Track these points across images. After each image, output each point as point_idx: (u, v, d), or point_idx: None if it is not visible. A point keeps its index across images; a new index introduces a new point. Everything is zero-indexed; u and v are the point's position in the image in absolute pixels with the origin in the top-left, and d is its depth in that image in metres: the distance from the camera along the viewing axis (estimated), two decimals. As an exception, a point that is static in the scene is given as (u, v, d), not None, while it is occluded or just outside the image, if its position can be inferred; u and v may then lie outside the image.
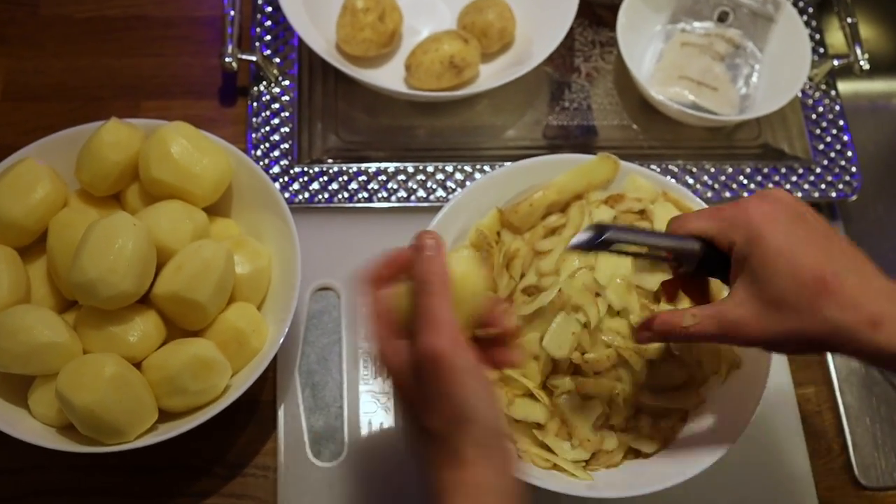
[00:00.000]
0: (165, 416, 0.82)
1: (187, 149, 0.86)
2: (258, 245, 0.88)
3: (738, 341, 0.65)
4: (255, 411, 0.89)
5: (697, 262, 0.68)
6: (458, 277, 0.64)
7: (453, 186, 0.99)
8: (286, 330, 0.83)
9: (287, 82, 1.03)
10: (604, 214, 0.86)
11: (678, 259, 0.69)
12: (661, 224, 0.86)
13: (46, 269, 0.86)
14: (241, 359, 0.84)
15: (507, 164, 0.99)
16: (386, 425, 0.89)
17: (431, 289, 0.62)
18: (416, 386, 0.61)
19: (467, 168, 1.00)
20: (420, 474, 0.64)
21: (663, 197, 0.89)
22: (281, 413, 0.89)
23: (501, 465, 0.61)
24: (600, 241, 0.66)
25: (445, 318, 0.60)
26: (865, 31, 1.25)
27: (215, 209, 0.90)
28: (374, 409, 0.89)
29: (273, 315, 0.86)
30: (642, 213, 0.87)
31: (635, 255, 0.70)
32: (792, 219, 0.63)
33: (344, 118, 1.03)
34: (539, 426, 0.82)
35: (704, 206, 0.87)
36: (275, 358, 0.86)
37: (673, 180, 0.99)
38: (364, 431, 0.88)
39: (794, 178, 1.03)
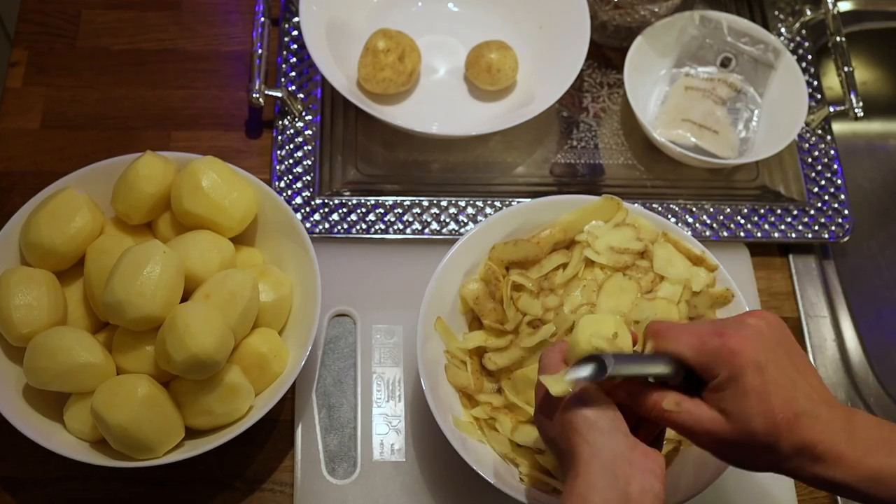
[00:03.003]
0: (191, 433, 0.87)
1: (217, 182, 0.91)
2: (281, 274, 0.93)
3: (703, 446, 0.70)
4: (274, 430, 0.95)
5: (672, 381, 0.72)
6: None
7: (465, 220, 1.04)
8: (306, 356, 0.88)
9: (310, 117, 1.09)
10: (603, 246, 0.92)
11: (656, 380, 0.72)
12: (660, 263, 0.91)
13: (83, 292, 0.91)
14: (263, 381, 0.89)
15: (517, 201, 1.05)
16: (397, 446, 0.94)
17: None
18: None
19: (479, 203, 1.05)
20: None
21: (663, 237, 0.94)
22: (298, 432, 0.94)
23: (612, 462, 0.66)
24: (602, 373, 0.67)
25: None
26: (863, 73, 1.31)
27: (241, 239, 0.96)
28: (385, 431, 0.95)
29: (293, 340, 0.92)
30: (643, 253, 0.92)
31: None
32: (768, 355, 0.67)
33: (363, 152, 1.08)
34: (541, 451, 0.87)
35: (701, 248, 0.93)
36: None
37: (674, 220, 1.05)
38: (376, 451, 0.94)
39: (788, 219, 1.08)
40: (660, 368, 0.69)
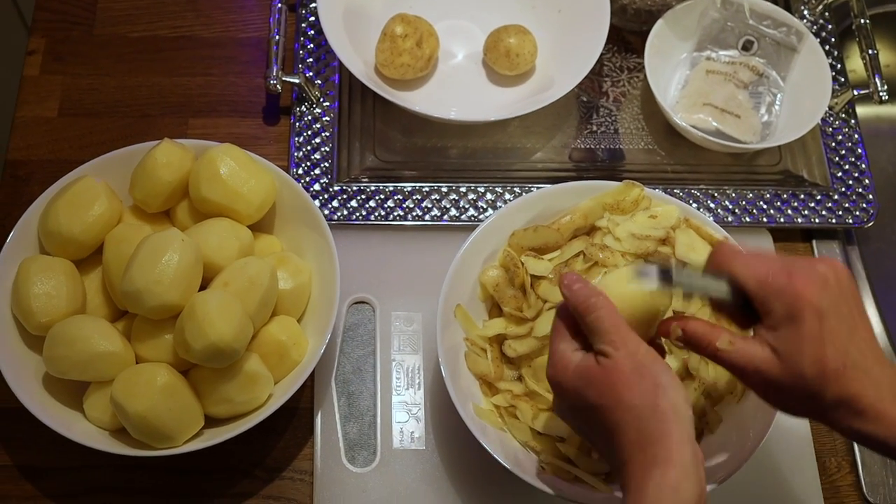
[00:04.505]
0: (210, 421, 0.87)
1: (235, 170, 0.91)
2: (300, 261, 0.93)
3: (752, 385, 0.70)
4: (293, 418, 0.94)
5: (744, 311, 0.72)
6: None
7: (484, 206, 1.03)
8: (325, 343, 0.88)
9: (328, 103, 1.08)
10: (624, 232, 0.91)
11: (723, 305, 0.72)
12: (682, 249, 0.90)
13: (101, 280, 0.91)
14: (282, 369, 0.89)
15: (536, 187, 1.04)
16: (417, 434, 0.94)
17: (597, 305, 0.69)
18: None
19: (498, 189, 1.04)
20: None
21: (685, 223, 0.93)
22: (318, 420, 0.94)
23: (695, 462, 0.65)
24: (667, 280, 0.69)
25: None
26: (886, 56, 1.29)
27: (259, 226, 0.96)
28: (405, 419, 0.94)
29: (312, 328, 0.92)
30: (665, 240, 0.91)
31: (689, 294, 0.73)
32: (831, 303, 0.67)
33: (381, 138, 1.07)
34: (562, 440, 0.87)
35: (724, 233, 0.92)
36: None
37: (695, 205, 1.04)
38: (396, 439, 0.93)
39: (812, 204, 1.07)
40: (720, 289, 0.70)
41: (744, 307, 0.70)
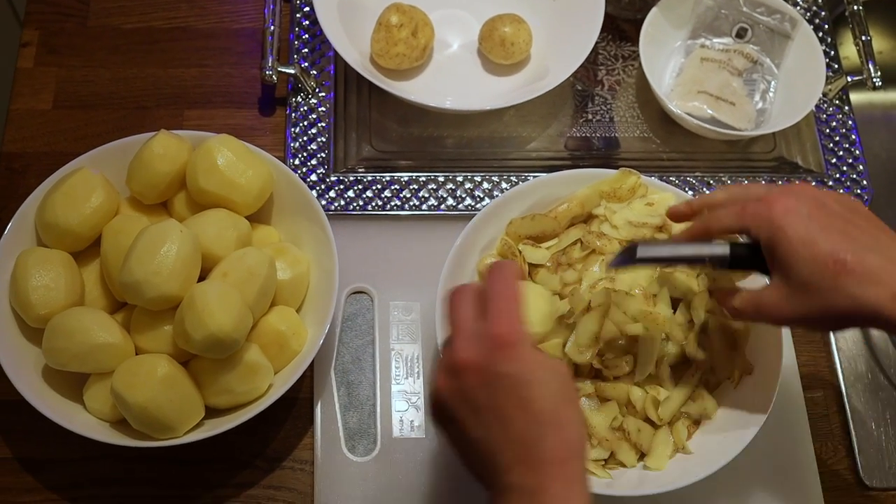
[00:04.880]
0: (211, 412, 0.87)
1: (232, 160, 0.91)
2: (298, 252, 0.93)
3: (774, 321, 0.72)
4: (293, 408, 0.94)
5: (731, 260, 0.73)
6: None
7: (481, 196, 1.03)
8: (325, 333, 0.88)
9: (323, 94, 1.08)
10: (621, 220, 0.91)
11: (712, 261, 0.74)
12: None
13: (99, 272, 0.91)
14: (282, 360, 0.89)
15: (532, 176, 1.04)
16: (417, 423, 0.94)
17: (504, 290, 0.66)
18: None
19: (494, 178, 1.04)
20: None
21: (681, 210, 0.93)
22: (318, 410, 0.94)
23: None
24: (635, 259, 0.70)
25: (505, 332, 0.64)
26: (879, 42, 1.29)
27: (257, 217, 0.96)
28: (405, 408, 0.95)
29: (311, 318, 0.92)
30: (661, 227, 0.91)
31: (673, 265, 0.74)
32: (813, 209, 0.67)
33: (377, 128, 1.07)
34: (561, 427, 0.87)
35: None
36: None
37: (691, 193, 1.04)
38: (396, 428, 0.94)
39: (807, 191, 1.07)
40: (693, 251, 0.72)
41: (739, 262, 0.72)
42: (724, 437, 0.86)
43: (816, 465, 0.96)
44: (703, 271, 0.84)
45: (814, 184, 1.08)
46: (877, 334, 1.05)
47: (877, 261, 0.65)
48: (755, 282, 0.80)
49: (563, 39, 1.09)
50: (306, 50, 1.10)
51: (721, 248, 0.72)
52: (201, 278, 0.87)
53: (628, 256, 0.71)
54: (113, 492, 0.91)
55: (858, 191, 1.08)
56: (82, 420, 0.86)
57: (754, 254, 0.71)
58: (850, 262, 0.65)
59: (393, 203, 1.03)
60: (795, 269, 0.66)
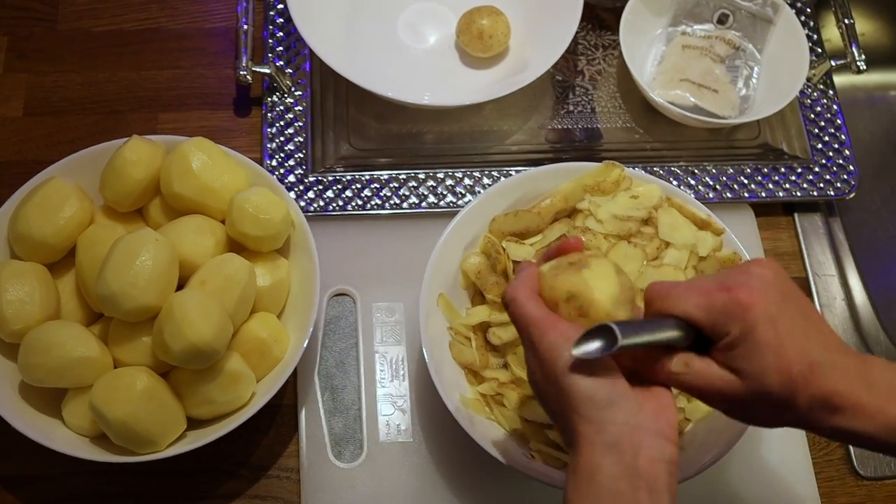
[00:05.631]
0: (193, 423, 0.85)
1: (207, 164, 0.89)
2: (277, 256, 0.91)
3: (714, 406, 0.67)
4: (277, 415, 0.93)
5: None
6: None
7: (463, 192, 1.02)
8: (307, 339, 0.86)
9: (299, 92, 1.06)
10: (606, 214, 0.89)
11: (672, 345, 0.67)
12: (665, 229, 0.89)
13: (75, 283, 0.89)
14: (264, 367, 0.87)
15: (514, 170, 1.02)
16: (403, 426, 0.92)
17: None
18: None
19: (476, 174, 1.03)
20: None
21: (667, 202, 0.92)
22: (302, 416, 0.92)
23: (618, 437, 0.62)
24: (615, 348, 0.63)
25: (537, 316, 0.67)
26: (862, 24, 1.28)
27: (235, 221, 0.94)
28: (391, 411, 0.93)
29: (293, 323, 0.90)
30: (647, 220, 0.90)
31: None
32: (778, 306, 0.64)
33: (355, 126, 1.06)
34: (550, 426, 0.86)
35: (706, 211, 0.91)
36: (295, 363, 0.89)
37: (676, 183, 1.03)
38: (382, 432, 0.92)
39: (792, 177, 1.06)
40: (671, 333, 0.65)
41: (699, 342, 0.66)
42: (717, 431, 0.85)
43: (810, 456, 0.95)
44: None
45: (800, 170, 1.06)
46: (866, 319, 1.04)
47: (838, 358, 0.64)
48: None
49: (541, 30, 1.07)
50: (281, 48, 1.08)
51: (682, 337, 0.67)
52: (179, 287, 0.85)
53: (605, 345, 0.63)
54: (95, 506, 0.89)
55: (845, 176, 1.06)
56: (62, 436, 0.84)
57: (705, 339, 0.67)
58: (810, 374, 0.63)
59: (373, 202, 1.01)
60: (762, 383, 0.63)
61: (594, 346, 0.63)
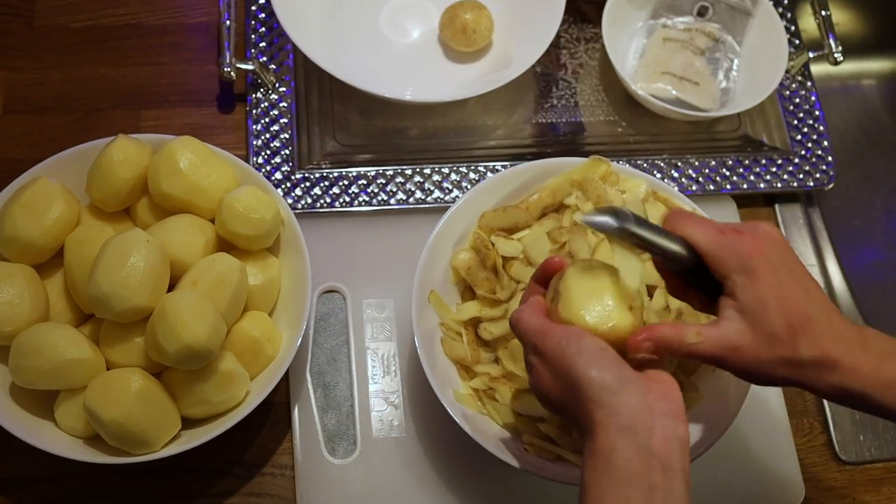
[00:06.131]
0: (187, 422, 0.85)
1: (195, 163, 0.89)
2: (268, 255, 0.91)
3: (731, 366, 0.69)
4: (270, 412, 0.93)
5: (692, 270, 0.72)
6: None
7: (450, 188, 1.02)
8: (300, 337, 0.86)
9: (284, 88, 1.05)
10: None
11: (667, 258, 0.71)
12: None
13: (63, 284, 0.89)
14: (257, 366, 0.88)
15: (501, 166, 1.03)
16: (396, 422, 0.93)
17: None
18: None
19: (462, 169, 1.03)
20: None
21: (653, 197, 0.93)
22: (295, 413, 0.93)
23: (631, 419, 0.63)
24: (619, 228, 0.66)
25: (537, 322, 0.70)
26: (836, 14, 1.29)
27: (223, 220, 0.93)
28: (383, 407, 0.94)
29: (285, 321, 0.90)
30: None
31: (645, 249, 0.71)
32: (781, 260, 0.68)
33: (341, 122, 1.05)
34: (542, 420, 0.87)
35: (692, 204, 0.92)
36: (287, 361, 0.89)
37: (659, 176, 1.04)
38: (375, 428, 0.93)
39: (773, 169, 1.07)
40: (676, 247, 0.69)
41: (698, 276, 0.70)
42: (705, 422, 0.86)
43: (794, 443, 0.97)
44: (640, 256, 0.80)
45: (780, 162, 1.08)
46: (847, 308, 1.06)
47: (824, 327, 0.68)
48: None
49: (525, 25, 1.08)
50: (263, 44, 1.08)
51: (689, 254, 0.70)
52: (170, 287, 0.85)
53: (614, 221, 0.67)
54: (89, 507, 0.89)
55: (824, 166, 1.08)
56: (54, 438, 0.84)
57: (702, 275, 0.70)
58: (807, 323, 0.67)
59: (361, 199, 1.01)
60: (765, 319, 0.66)
61: (605, 219, 0.66)
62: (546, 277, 0.74)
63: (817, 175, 1.08)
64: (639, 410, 0.64)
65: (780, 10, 1.15)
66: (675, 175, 1.05)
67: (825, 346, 0.67)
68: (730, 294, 0.68)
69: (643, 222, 0.68)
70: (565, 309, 0.70)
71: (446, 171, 1.03)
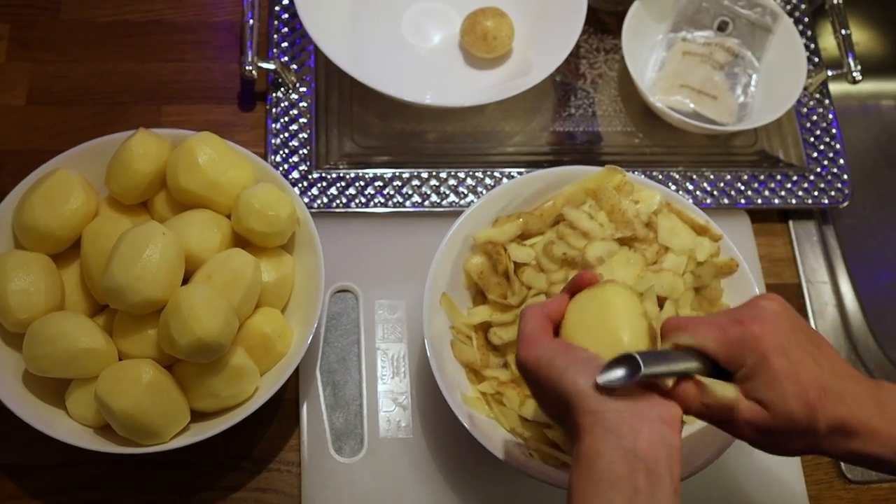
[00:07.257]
0: (196, 415, 0.86)
1: (214, 159, 0.89)
2: (282, 252, 0.92)
3: (744, 437, 0.68)
4: (279, 409, 0.94)
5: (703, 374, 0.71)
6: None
7: (465, 192, 1.03)
8: (311, 335, 0.87)
9: (304, 88, 1.06)
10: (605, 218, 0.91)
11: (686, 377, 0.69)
12: (664, 234, 0.90)
13: (79, 274, 0.90)
14: (267, 362, 0.88)
15: (516, 172, 1.03)
16: (403, 423, 0.94)
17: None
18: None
19: (478, 174, 1.04)
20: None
21: (667, 208, 0.93)
22: (304, 411, 0.93)
23: (616, 423, 0.63)
24: (637, 376, 0.64)
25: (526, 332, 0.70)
26: (856, 34, 1.30)
27: (240, 216, 0.94)
28: (391, 408, 0.94)
29: (297, 319, 0.91)
30: (647, 224, 0.91)
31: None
32: (788, 337, 0.67)
33: (359, 123, 1.06)
34: (549, 426, 0.87)
35: (705, 217, 0.92)
36: (297, 359, 0.90)
37: (674, 188, 1.04)
38: (383, 428, 0.93)
39: (788, 185, 1.07)
40: (690, 364, 0.67)
41: (718, 369, 0.68)
42: (711, 435, 0.86)
43: (800, 460, 0.97)
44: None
45: (795, 178, 1.08)
46: (857, 326, 1.06)
47: (849, 385, 0.67)
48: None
49: (545, 33, 1.08)
50: (286, 44, 1.09)
51: (699, 366, 0.70)
52: (184, 281, 0.85)
53: (628, 374, 0.64)
54: (97, 497, 0.90)
55: (839, 184, 1.08)
56: (65, 426, 0.85)
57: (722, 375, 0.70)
58: (824, 397, 0.66)
59: (376, 200, 1.02)
60: (784, 406, 0.65)
61: (618, 373, 0.65)
62: (574, 291, 0.74)
63: (832, 193, 1.08)
64: (627, 414, 0.63)
65: (801, 27, 1.15)
66: (690, 188, 1.06)
67: (841, 414, 0.66)
68: (744, 381, 0.67)
69: (652, 358, 0.66)
70: (563, 335, 0.72)
71: (462, 175, 1.04)
